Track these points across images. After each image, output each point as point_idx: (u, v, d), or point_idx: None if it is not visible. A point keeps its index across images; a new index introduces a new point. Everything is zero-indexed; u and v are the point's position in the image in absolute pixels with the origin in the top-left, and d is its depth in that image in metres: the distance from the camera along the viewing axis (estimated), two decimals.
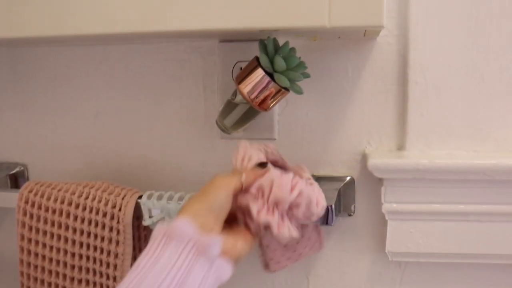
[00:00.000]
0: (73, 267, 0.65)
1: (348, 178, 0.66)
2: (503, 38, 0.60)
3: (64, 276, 0.65)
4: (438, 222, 0.62)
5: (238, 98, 0.60)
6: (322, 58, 0.64)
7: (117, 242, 0.63)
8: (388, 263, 0.68)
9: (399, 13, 0.62)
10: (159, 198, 0.62)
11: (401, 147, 0.65)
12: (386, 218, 0.63)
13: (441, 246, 0.63)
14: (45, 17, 0.56)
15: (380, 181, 0.63)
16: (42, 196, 0.65)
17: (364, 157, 0.65)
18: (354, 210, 0.67)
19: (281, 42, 0.56)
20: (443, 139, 0.63)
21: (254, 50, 0.60)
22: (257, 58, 0.57)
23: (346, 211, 0.66)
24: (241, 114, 0.61)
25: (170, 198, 0.62)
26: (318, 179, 0.66)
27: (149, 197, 0.62)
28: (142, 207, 0.62)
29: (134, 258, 0.67)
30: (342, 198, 0.66)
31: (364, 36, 0.61)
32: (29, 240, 0.66)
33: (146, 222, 0.62)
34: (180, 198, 0.61)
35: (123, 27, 0.55)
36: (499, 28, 0.60)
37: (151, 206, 0.62)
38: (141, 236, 0.67)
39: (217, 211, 0.48)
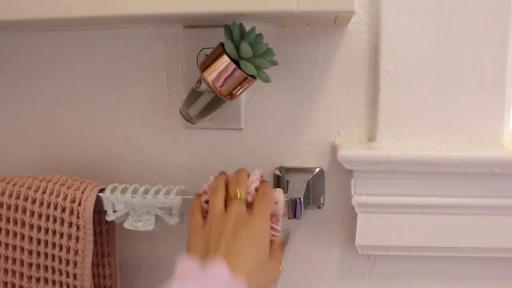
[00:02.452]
0: (30, 265, 0.61)
1: (317, 169, 0.64)
2: (476, 28, 0.58)
3: (21, 274, 0.62)
4: (409, 215, 0.61)
5: (203, 86, 0.57)
6: (290, 45, 0.62)
7: (77, 238, 0.60)
8: (357, 256, 0.67)
9: (371, 0, 0.60)
10: (123, 191, 0.59)
11: (371, 138, 0.63)
12: (356, 210, 0.61)
13: (412, 239, 0.62)
14: None
15: (350, 172, 0.61)
16: None
17: (333, 148, 0.63)
18: (324, 203, 0.65)
19: (247, 28, 0.54)
20: (415, 131, 0.61)
21: (220, 36, 0.56)
22: (222, 45, 0.54)
23: (315, 203, 0.64)
24: (206, 103, 0.58)
25: (134, 192, 0.59)
26: (287, 170, 0.64)
27: (112, 190, 0.59)
28: (105, 201, 0.59)
29: (96, 254, 0.64)
30: (311, 190, 0.64)
31: (334, 23, 0.59)
32: None
33: (109, 217, 0.59)
34: (145, 192, 0.59)
35: (81, 11, 0.52)
36: (472, 18, 0.58)
37: (115, 201, 0.59)
38: (102, 231, 0.64)
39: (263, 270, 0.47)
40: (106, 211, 0.60)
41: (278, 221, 0.53)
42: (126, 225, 0.59)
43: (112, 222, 0.62)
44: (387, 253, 0.64)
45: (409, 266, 0.66)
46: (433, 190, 0.59)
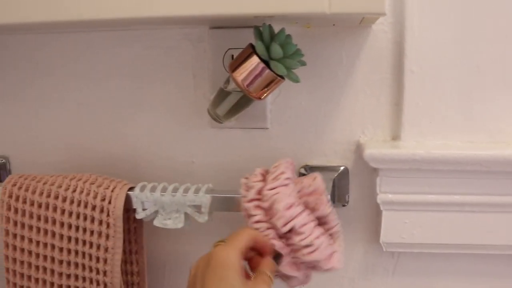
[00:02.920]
0: (61, 262, 0.63)
1: (342, 168, 0.65)
2: (498, 28, 0.59)
3: (52, 271, 0.63)
4: (433, 213, 0.62)
5: (231, 86, 0.58)
6: (315, 45, 0.63)
7: (107, 236, 0.61)
8: (381, 254, 0.68)
9: (395, 0, 0.61)
10: (152, 190, 0.60)
11: (396, 137, 0.64)
12: (381, 208, 0.62)
13: (436, 236, 0.63)
14: (27, 2, 0.54)
15: (375, 171, 0.63)
16: (26, 190, 0.63)
17: (358, 147, 0.64)
18: (348, 201, 0.66)
19: (276, 29, 0.55)
20: (439, 130, 0.62)
21: (245, 37, 0.58)
22: (251, 45, 0.55)
23: (340, 201, 0.66)
24: (234, 103, 0.59)
25: (163, 190, 0.60)
26: (312, 169, 0.65)
27: (142, 189, 0.60)
28: (135, 200, 0.60)
29: (124, 251, 0.65)
30: (336, 189, 0.65)
31: (360, 23, 0.60)
32: (14, 236, 0.64)
33: (139, 215, 0.61)
34: (174, 190, 0.60)
35: (111, 13, 0.53)
36: (494, 18, 0.59)
37: (144, 199, 0.60)
38: (130, 229, 0.66)
39: None
40: (135, 209, 0.61)
41: (323, 193, 0.54)
42: (156, 223, 0.60)
43: (140, 220, 0.63)
44: (411, 251, 0.65)
45: (432, 263, 0.67)
46: (457, 188, 0.60)
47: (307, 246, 0.52)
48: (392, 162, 0.60)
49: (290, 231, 0.52)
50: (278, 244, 0.53)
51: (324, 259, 0.53)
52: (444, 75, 0.61)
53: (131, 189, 0.62)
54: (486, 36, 0.60)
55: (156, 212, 0.61)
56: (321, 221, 0.56)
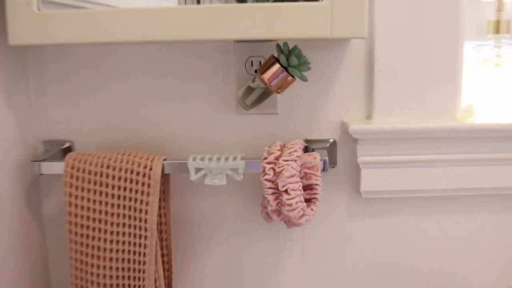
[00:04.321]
0: (112, 214, 0.83)
1: (331, 140, 0.91)
2: (438, 41, 0.87)
3: (106, 221, 0.83)
4: (397, 168, 0.89)
5: (256, 83, 0.83)
6: (313, 54, 0.89)
7: (148, 194, 0.82)
8: (361, 200, 0.94)
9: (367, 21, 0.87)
10: (201, 159, 0.84)
11: (369, 116, 0.91)
12: (360, 167, 0.89)
13: (399, 185, 0.90)
14: (111, 25, 0.77)
15: (355, 141, 0.89)
16: (84, 162, 0.83)
17: (343, 125, 0.91)
18: (337, 163, 0.92)
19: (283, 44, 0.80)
20: (399, 111, 0.89)
21: (261, 48, 0.84)
22: (273, 56, 0.80)
23: (331, 164, 0.92)
24: (258, 95, 0.85)
25: (210, 159, 0.84)
26: (311, 141, 0.91)
27: (194, 158, 0.84)
28: (189, 166, 0.83)
29: (159, 206, 0.87)
30: (328, 155, 0.91)
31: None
32: (76, 197, 0.83)
33: (192, 177, 0.84)
34: (218, 159, 0.84)
35: (163, 36, 0.76)
36: (437, 35, 0.86)
37: (196, 166, 0.84)
38: (165, 190, 0.88)
39: None
40: (166, 174, 0.85)
41: (318, 170, 0.80)
42: (207, 181, 0.84)
43: (168, 182, 0.87)
44: (381, 196, 0.92)
45: (399, 205, 0.94)
46: (413, 150, 0.88)
47: (289, 205, 0.77)
48: (367, 134, 0.86)
49: (284, 191, 0.78)
50: (270, 199, 0.78)
51: (296, 218, 0.79)
52: (402, 72, 0.88)
53: (164, 160, 0.84)
54: (431, 45, 0.87)
55: (205, 175, 0.85)
56: (309, 187, 0.82)
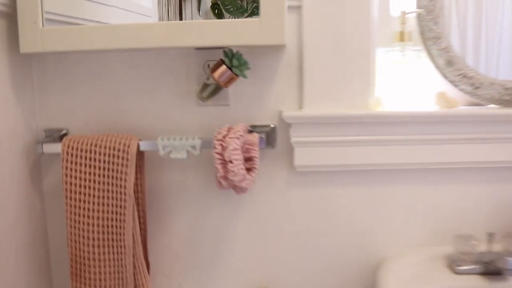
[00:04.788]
0: (99, 182, 1.07)
1: (272, 125, 1.16)
2: (354, 47, 1.12)
3: (94, 188, 1.07)
4: (322, 147, 1.14)
5: (210, 81, 1.08)
6: (257, 59, 1.13)
7: (126, 166, 1.06)
8: (296, 174, 1.19)
9: (298, 33, 1.12)
10: (168, 139, 1.09)
11: (300, 106, 1.16)
12: (293, 146, 1.14)
13: (325, 160, 1.15)
14: (98, 37, 1.02)
15: (289, 125, 1.14)
16: (78, 142, 1.07)
17: (280, 113, 1.15)
18: (276, 144, 1.17)
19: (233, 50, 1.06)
20: (324, 101, 1.13)
21: (214, 53, 1.08)
22: (221, 59, 1.05)
23: (271, 144, 1.16)
24: (212, 90, 1.10)
25: (174, 139, 1.09)
26: (255, 126, 1.16)
27: (162, 139, 1.09)
28: (158, 145, 1.08)
29: (136, 177, 1.11)
30: (269, 137, 1.16)
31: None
32: (71, 169, 1.06)
33: (161, 153, 1.09)
34: (180, 138, 1.09)
35: (148, 44, 1.02)
36: (353, 42, 1.11)
37: (163, 144, 1.08)
38: (140, 164, 1.12)
39: None
40: (142, 152, 1.10)
41: (256, 146, 1.05)
42: (172, 155, 1.08)
43: (143, 159, 1.12)
44: (311, 170, 1.17)
45: (325, 177, 1.19)
46: (333, 132, 1.13)
47: (232, 171, 1.02)
48: (298, 119, 1.11)
49: (229, 161, 1.02)
50: (219, 168, 1.03)
51: (238, 181, 1.03)
52: (325, 72, 1.13)
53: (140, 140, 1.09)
54: (348, 50, 1.12)
55: (170, 151, 1.09)
56: (250, 159, 1.06)
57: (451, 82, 1.19)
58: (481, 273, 1.14)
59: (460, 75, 1.18)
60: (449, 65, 1.18)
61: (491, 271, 1.13)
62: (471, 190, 1.21)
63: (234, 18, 1.01)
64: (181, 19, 1.15)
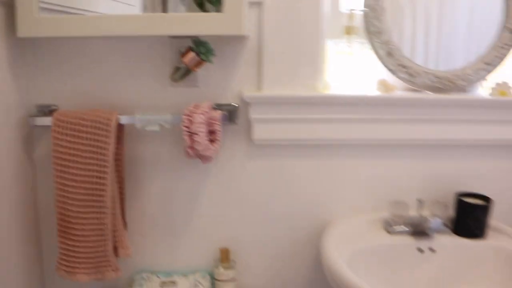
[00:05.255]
0: (84, 150, 1.23)
1: (234, 104, 1.34)
2: (306, 38, 1.30)
3: (79, 155, 1.23)
4: (278, 124, 1.32)
5: (182, 65, 1.26)
6: (223, 47, 1.31)
7: (107, 136, 1.22)
8: (255, 147, 1.37)
9: (258, 25, 1.30)
10: (143, 114, 1.27)
11: (259, 88, 1.34)
12: (252, 122, 1.33)
13: (279, 135, 1.33)
14: (86, 25, 1.20)
15: (249, 104, 1.32)
16: (66, 116, 1.23)
17: (241, 94, 1.34)
18: (237, 121, 1.35)
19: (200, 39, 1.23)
20: (279, 84, 1.31)
21: (186, 41, 1.25)
22: (190, 47, 1.23)
23: (233, 121, 1.33)
24: (183, 73, 1.28)
25: (150, 114, 1.27)
26: (220, 105, 1.34)
27: (138, 114, 1.27)
28: (136, 120, 1.26)
29: (116, 147, 1.29)
30: (231, 115, 1.34)
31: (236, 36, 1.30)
32: (60, 139, 1.22)
33: (138, 126, 1.27)
34: (154, 114, 1.27)
35: (128, 32, 1.20)
36: (305, 34, 1.30)
37: (141, 118, 1.26)
38: (120, 135, 1.29)
39: None
40: (122, 125, 1.28)
41: (219, 122, 1.23)
42: (147, 128, 1.27)
43: (123, 131, 1.29)
44: (267, 143, 1.36)
45: (281, 150, 1.37)
46: (287, 111, 1.31)
47: (198, 142, 1.20)
48: (257, 99, 1.30)
49: (195, 133, 1.20)
50: (186, 138, 1.21)
51: (202, 150, 1.21)
52: (281, 59, 1.30)
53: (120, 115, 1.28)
54: (301, 40, 1.30)
55: (145, 125, 1.27)
56: (213, 132, 1.23)
57: (391, 71, 1.38)
58: (411, 233, 1.33)
59: (398, 65, 1.37)
60: (389, 56, 1.37)
61: (419, 231, 1.33)
62: (405, 163, 1.41)
63: (215, 8, 1.19)
64: (164, 7, 1.29)
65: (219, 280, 1.39)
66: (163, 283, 1.39)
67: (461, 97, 1.37)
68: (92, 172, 1.26)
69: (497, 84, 1.38)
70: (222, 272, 1.38)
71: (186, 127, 1.20)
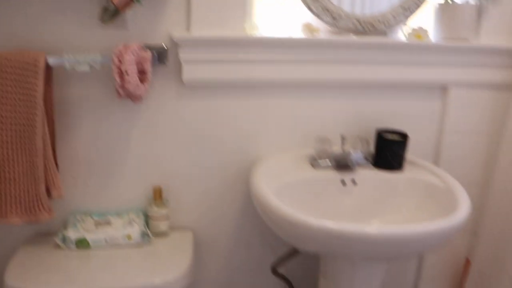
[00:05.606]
0: (12, 92, 1.24)
1: (163, 45, 1.37)
2: None
3: (10, 97, 1.26)
4: (207, 65, 1.36)
5: (110, 6, 1.27)
6: None
7: (36, 77, 1.22)
8: (185, 87, 1.41)
9: None
10: (73, 55, 1.27)
11: (188, 30, 1.37)
12: (181, 62, 1.36)
13: (209, 75, 1.38)
14: None
15: (179, 44, 1.35)
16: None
17: (170, 35, 1.36)
18: (167, 61, 1.38)
19: None
20: (208, 26, 1.35)
21: None
22: None
23: (162, 61, 1.36)
24: (112, 14, 1.28)
25: (80, 55, 1.27)
26: (149, 46, 1.36)
27: (67, 54, 1.27)
28: (64, 60, 1.27)
29: (45, 89, 1.30)
30: (161, 56, 1.36)
31: None
32: None
33: (67, 66, 1.27)
34: (83, 55, 1.27)
35: None
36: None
37: (68, 59, 1.27)
38: (49, 77, 1.29)
39: None
40: (50, 66, 1.28)
41: (148, 61, 1.26)
42: (76, 68, 1.27)
43: (51, 72, 1.29)
44: (197, 84, 1.40)
45: (210, 91, 1.42)
46: (215, 51, 1.35)
47: (128, 81, 1.23)
48: (186, 40, 1.33)
49: (125, 72, 1.23)
50: (116, 78, 1.23)
51: (133, 89, 1.24)
52: (209, 1, 1.34)
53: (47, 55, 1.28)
54: None
55: (75, 65, 1.28)
56: (143, 72, 1.27)
57: (316, 14, 1.44)
58: (335, 167, 1.42)
59: (322, 8, 1.43)
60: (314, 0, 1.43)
61: (342, 165, 1.42)
62: (330, 103, 1.49)
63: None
64: None
65: (152, 218, 1.43)
66: (98, 223, 1.42)
67: (380, 40, 1.46)
68: (21, 113, 1.26)
69: (413, 29, 1.46)
70: (156, 210, 1.43)
71: (116, 66, 1.22)
